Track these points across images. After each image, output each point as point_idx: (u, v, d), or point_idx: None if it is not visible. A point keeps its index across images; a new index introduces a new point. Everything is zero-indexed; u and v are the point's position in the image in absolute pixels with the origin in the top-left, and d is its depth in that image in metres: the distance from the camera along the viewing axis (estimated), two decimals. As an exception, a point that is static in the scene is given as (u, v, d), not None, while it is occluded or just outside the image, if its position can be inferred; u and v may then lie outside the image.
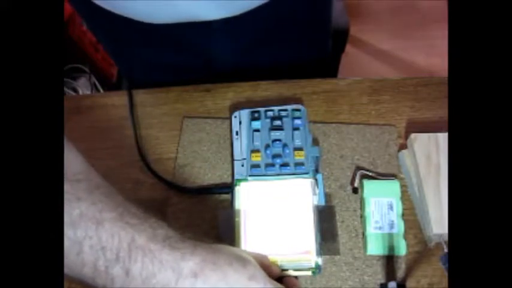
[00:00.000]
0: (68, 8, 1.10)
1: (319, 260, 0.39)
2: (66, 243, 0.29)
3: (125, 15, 0.49)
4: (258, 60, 0.58)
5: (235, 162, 0.45)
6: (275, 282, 0.33)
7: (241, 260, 0.33)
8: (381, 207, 0.42)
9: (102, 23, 0.55)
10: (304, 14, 0.57)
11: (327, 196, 0.44)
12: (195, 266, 0.30)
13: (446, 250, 0.39)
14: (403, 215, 0.42)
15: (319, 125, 0.49)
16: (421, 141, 0.44)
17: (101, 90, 1.22)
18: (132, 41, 0.57)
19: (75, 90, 1.18)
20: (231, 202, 0.43)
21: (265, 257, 0.38)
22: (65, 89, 1.15)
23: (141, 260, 0.30)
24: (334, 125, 0.49)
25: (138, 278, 0.29)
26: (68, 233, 0.29)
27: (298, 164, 0.43)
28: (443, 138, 0.44)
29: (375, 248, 0.41)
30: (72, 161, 0.32)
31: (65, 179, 0.30)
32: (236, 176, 0.44)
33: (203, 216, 0.45)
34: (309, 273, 0.40)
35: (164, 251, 0.30)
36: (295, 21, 0.57)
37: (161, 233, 0.31)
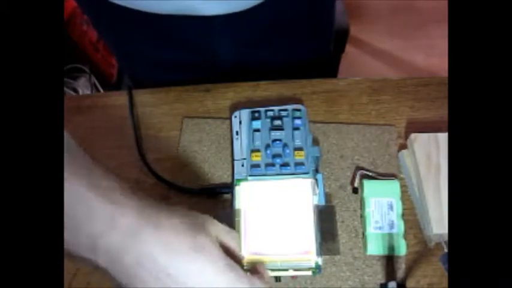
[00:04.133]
0: (68, 8, 1.10)
1: (319, 260, 0.39)
2: None
3: (126, 6, 0.49)
4: (259, 59, 0.58)
5: (235, 162, 0.45)
6: (229, 260, 0.31)
7: (193, 228, 0.30)
8: (380, 207, 0.42)
9: (104, 16, 0.55)
10: (305, 14, 0.57)
11: (327, 196, 0.44)
12: (133, 223, 0.28)
13: (446, 250, 0.39)
14: (403, 215, 0.42)
15: (319, 125, 0.49)
16: (421, 141, 0.44)
17: (101, 90, 1.22)
18: (133, 35, 0.57)
19: (75, 90, 1.18)
20: (231, 202, 0.43)
21: (235, 246, 0.35)
22: (65, 89, 1.15)
23: (78, 207, 0.28)
24: (334, 125, 0.49)
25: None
26: None
27: (298, 164, 0.43)
28: (443, 138, 0.44)
29: (375, 248, 0.41)
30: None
31: None
32: (236, 176, 0.44)
33: (203, 216, 0.45)
34: (309, 273, 0.40)
35: (103, 202, 0.28)
36: (297, 21, 0.57)
37: (105, 184, 0.30)
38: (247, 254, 0.39)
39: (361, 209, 0.44)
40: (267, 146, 0.45)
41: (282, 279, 0.40)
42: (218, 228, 0.34)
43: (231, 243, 0.34)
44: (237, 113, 0.48)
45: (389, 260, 0.41)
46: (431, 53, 1.48)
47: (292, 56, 0.61)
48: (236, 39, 0.56)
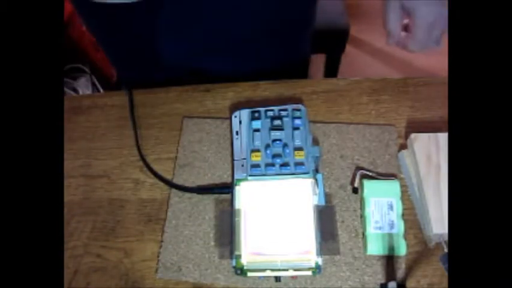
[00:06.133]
0: (68, 8, 1.10)
1: (319, 260, 0.39)
2: None
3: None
4: (214, 65, 0.57)
5: (235, 162, 0.45)
6: None
7: None
8: (380, 207, 0.42)
9: (92, 14, 0.55)
10: (284, 14, 0.55)
11: (327, 196, 0.44)
12: None
13: (446, 250, 0.39)
14: (403, 215, 0.42)
15: (319, 125, 0.49)
16: (421, 141, 0.44)
17: (101, 90, 1.22)
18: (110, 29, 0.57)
19: (75, 90, 1.18)
20: (231, 202, 0.43)
21: None
22: (65, 89, 1.15)
23: None
24: (334, 125, 0.49)
25: None
26: None
27: (298, 164, 0.43)
28: (443, 138, 0.44)
29: (375, 248, 0.41)
30: None
31: None
32: (236, 176, 0.44)
33: (203, 216, 0.45)
34: (309, 273, 0.40)
35: None
36: (276, 21, 0.55)
37: None
38: (247, 254, 0.39)
39: (361, 209, 0.44)
40: (267, 146, 0.45)
41: (282, 279, 0.40)
42: None
43: None
44: (237, 113, 0.48)
45: (390, 260, 0.41)
46: (431, 53, 1.48)
47: (270, 59, 0.58)
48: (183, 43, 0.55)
